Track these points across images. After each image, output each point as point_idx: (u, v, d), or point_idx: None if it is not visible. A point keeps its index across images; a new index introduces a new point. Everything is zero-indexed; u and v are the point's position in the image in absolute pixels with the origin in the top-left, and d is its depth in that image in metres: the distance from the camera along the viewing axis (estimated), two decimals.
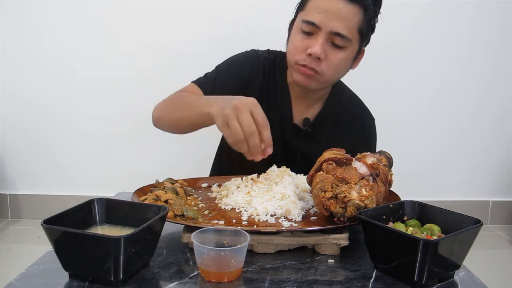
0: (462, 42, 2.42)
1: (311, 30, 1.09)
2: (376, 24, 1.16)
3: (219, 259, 0.72)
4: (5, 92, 2.42)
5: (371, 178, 0.87)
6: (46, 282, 0.71)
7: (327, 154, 0.92)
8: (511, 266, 2.15)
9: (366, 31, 1.12)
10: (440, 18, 2.38)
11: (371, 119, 1.33)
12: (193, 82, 1.24)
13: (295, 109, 1.27)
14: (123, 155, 2.48)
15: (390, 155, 0.96)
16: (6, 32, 2.35)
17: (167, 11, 2.32)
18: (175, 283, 0.71)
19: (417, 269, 0.68)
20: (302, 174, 1.09)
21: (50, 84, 2.41)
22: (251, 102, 0.89)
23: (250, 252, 0.81)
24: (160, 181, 1.02)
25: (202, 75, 1.28)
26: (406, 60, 2.41)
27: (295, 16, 1.17)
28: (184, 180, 1.07)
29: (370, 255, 0.78)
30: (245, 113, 0.87)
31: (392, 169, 0.95)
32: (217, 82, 1.22)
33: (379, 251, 0.76)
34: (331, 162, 0.89)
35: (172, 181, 1.01)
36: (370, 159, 0.90)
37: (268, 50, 1.31)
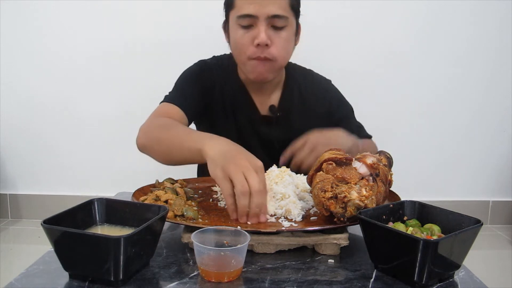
0: (462, 43, 2.42)
1: (250, 22, 1.12)
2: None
3: (219, 259, 0.72)
4: (5, 92, 2.42)
5: (371, 178, 0.87)
6: (46, 282, 0.71)
7: (327, 154, 0.92)
8: (511, 266, 2.15)
9: (297, 5, 1.17)
10: (440, 18, 2.38)
11: (328, 81, 1.39)
12: (164, 101, 1.23)
13: (258, 101, 1.30)
14: (123, 155, 2.48)
15: (390, 155, 0.96)
16: (7, 31, 2.35)
17: (168, 11, 2.32)
18: (175, 283, 0.71)
19: (417, 269, 0.68)
20: (302, 174, 1.09)
21: (50, 84, 2.41)
22: (260, 167, 0.86)
23: (250, 252, 0.81)
24: (160, 181, 1.02)
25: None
26: (406, 61, 2.42)
27: (227, 17, 1.20)
28: (184, 180, 1.07)
29: (370, 255, 0.78)
30: (253, 173, 0.83)
31: (392, 169, 0.95)
32: (185, 96, 1.24)
33: (379, 251, 0.76)
34: (331, 162, 0.89)
35: (172, 181, 1.01)
36: (370, 159, 0.90)
37: (214, 56, 1.35)
